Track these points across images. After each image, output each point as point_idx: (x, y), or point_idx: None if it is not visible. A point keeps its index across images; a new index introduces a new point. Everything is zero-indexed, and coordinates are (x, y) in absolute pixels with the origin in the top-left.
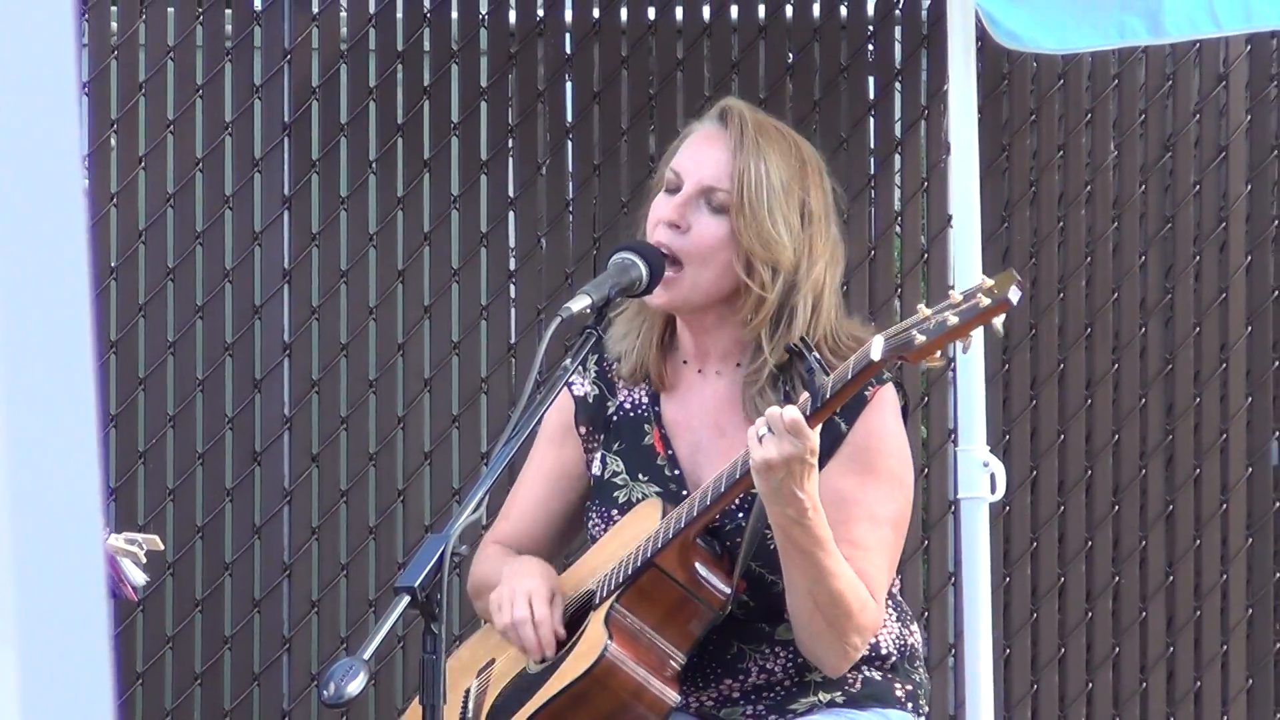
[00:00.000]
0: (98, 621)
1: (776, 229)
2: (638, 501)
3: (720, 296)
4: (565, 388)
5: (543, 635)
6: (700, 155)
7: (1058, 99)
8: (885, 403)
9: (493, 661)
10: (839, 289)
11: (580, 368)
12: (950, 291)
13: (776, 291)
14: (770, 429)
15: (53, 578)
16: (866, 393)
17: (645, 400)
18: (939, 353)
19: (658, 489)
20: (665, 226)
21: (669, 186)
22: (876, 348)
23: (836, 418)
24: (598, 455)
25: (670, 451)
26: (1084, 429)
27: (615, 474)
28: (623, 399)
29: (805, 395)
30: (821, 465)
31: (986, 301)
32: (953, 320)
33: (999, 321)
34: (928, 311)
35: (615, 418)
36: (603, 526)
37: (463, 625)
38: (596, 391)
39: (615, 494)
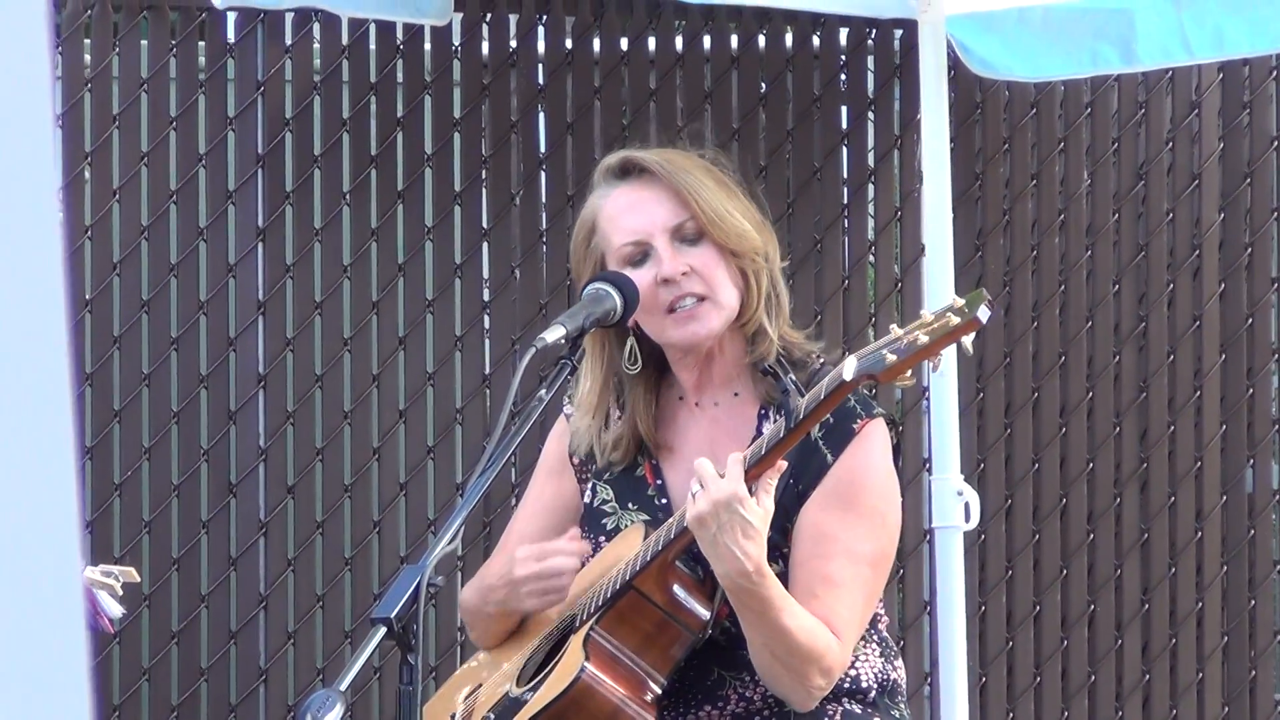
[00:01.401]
0: (78, 655)
1: (739, 221)
2: (625, 529)
3: (735, 307)
4: (563, 417)
5: (561, 548)
6: (642, 210)
7: (1031, 127)
8: (874, 437)
9: (479, 687)
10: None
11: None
12: (921, 311)
13: (767, 271)
14: (700, 483)
15: (32, 611)
16: (855, 425)
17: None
18: (910, 373)
19: (645, 518)
20: (681, 280)
21: (634, 259)
22: (849, 368)
23: (823, 447)
24: (589, 484)
25: (659, 481)
26: (1058, 457)
27: (605, 502)
28: (615, 431)
29: (749, 448)
30: (806, 495)
31: (956, 320)
32: (923, 339)
33: (968, 340)
34: (899, 331)
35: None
36: (590, 554)
37: (439, 656)
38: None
39: (604, 521)
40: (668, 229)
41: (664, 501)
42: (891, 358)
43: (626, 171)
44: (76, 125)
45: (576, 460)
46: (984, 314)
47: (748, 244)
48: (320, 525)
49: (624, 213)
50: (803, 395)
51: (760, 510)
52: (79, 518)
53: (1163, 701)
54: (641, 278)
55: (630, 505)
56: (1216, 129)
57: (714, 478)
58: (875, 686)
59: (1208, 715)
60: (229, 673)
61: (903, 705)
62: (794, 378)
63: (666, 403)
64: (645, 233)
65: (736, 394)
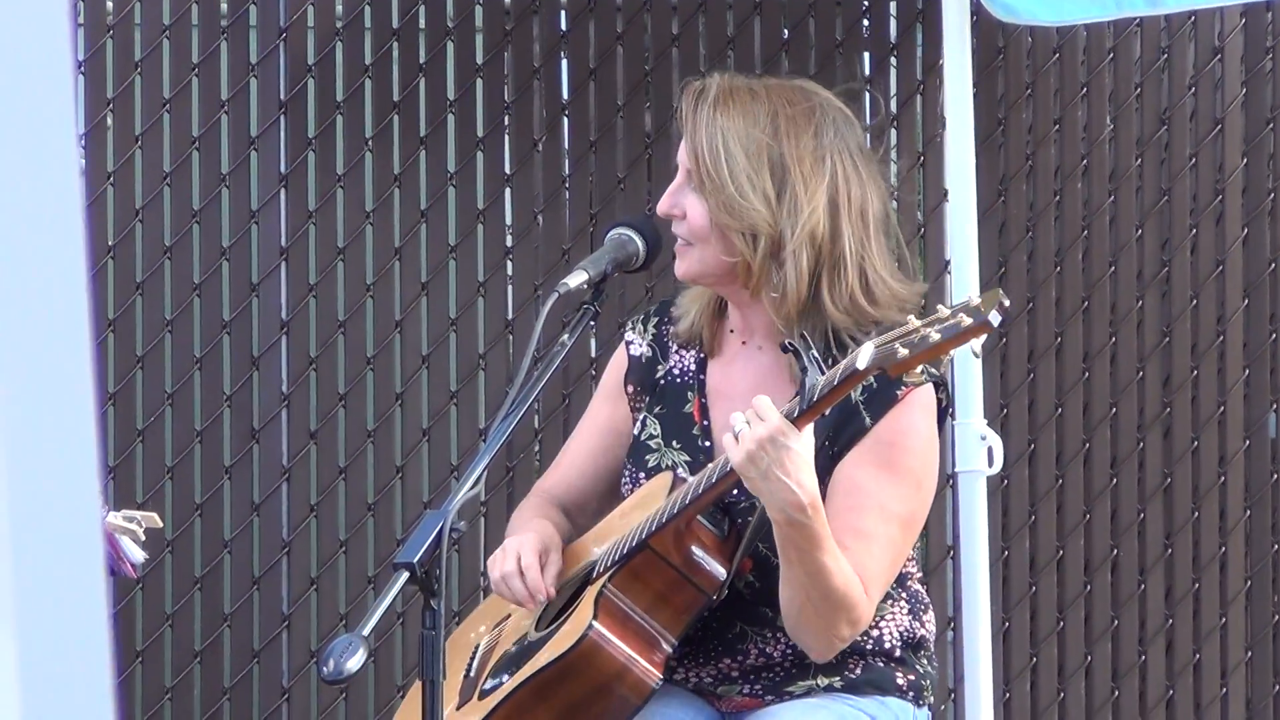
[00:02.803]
0: (97, 600)
1: (743, 193)
2: (667, 468)
3: (729, 275)
4: (623, 345)
5: (530, 583)
6: (683, 143)
7: (1053, 73)
8: (916, 404)
9: (508, 616)
10: (876, 237)
11: (641, 327)
12: (939, 306)
13: (759, 255)
14: (747, 422)
15: (52, 556)
16: (898, 391)
17: (693, 368)
18: (920, 369)
19: (688, 458)
20: (676, 221)
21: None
22: (864, 356)
23: (863, 411)
24: (640, 417)
25: (706, 422)
26: (1081, 402)
27: (651, 437)
28: (672, 364)
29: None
30: (839, 457)
31: (968, 321)
32: (934, 337)
33: (977, 343)
34: (916, 323)
35: (662, 381)
36: (630, 487)
37: (461, 601)
38: (650, 354)
39: (647, 457)
40: (685, 169)
41: (708, 444)
42: (903, 352)
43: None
44: (99, 72)
45: (631, 390)
46: (995, 319)
47: (739, 220)
48: (343, 471)
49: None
50: (822, 374)
51: (807, 439)
52: (100, 463)
53: (1186, 646)
54: None
55: (674, 444)
56: (1239, 74)
57: (754, 418)
58: (899, 644)
59: (1230, 659)
60: (252, 618)
61: (927, 660)
62: (815, 355)
63: (722, 333)
64: (678, 160)
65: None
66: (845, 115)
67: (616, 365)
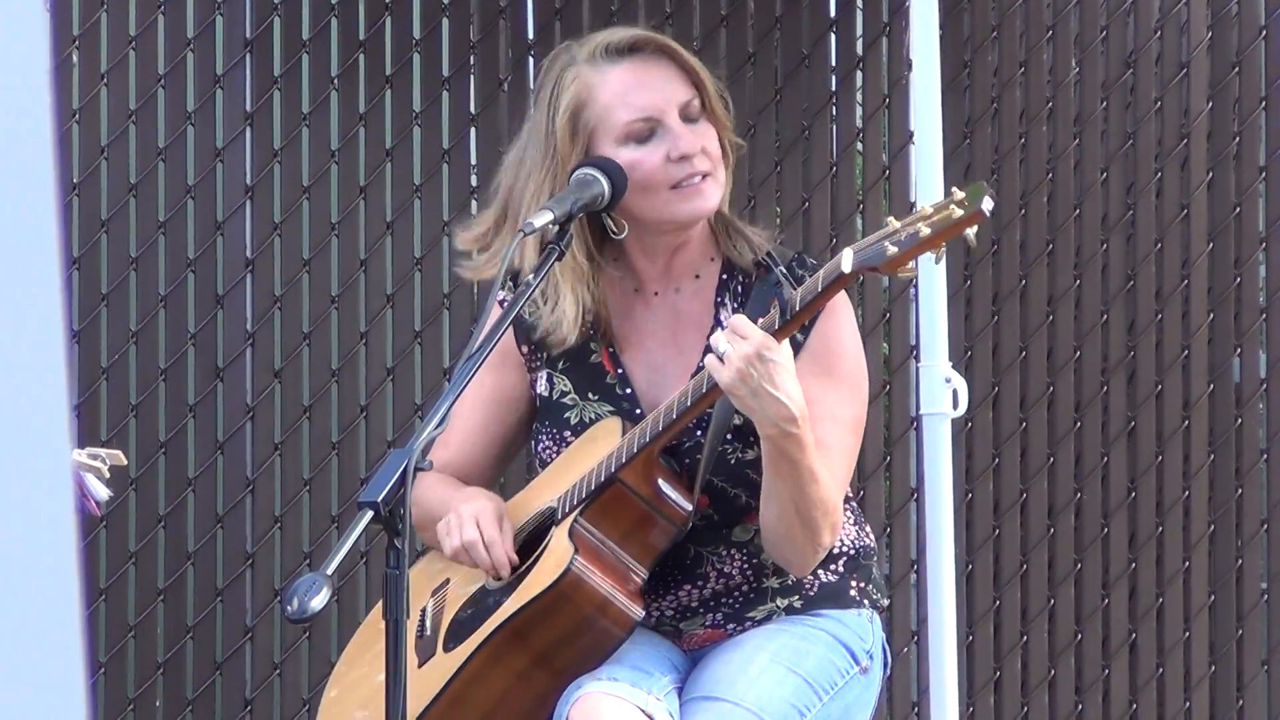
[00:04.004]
0: (66, 538)
1: (728, 107)
2: (591, 421)
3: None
4: (496, 305)
5: (495, 556)
6: (654, 88)
7: (1019, 15)
8: (839, 307)
9: (447, 581)
10: None
11: (512, 285)
12: (920, 205)
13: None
14: (726, 342)
15: (20, 496)
16: None
17: (590, 319)
18: (911, 264)
19: (610, 408)
20: (695, 158)
21: (641, 136)
22: (847, 260)
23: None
24: (542, 375)
25: (620, 370)
26: (1045, 345)
27: (563, 394)
28: None
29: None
30: None
31: (959, 213)
32: (925, 231)
33: (972, 232)
34: (898, 224)
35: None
36: (554, 449)
37: (425, 541)
38: (533, 309)
39: (566, 414)
40: (678, 105)
41: (628, 391)
42: (893, 249)
43: (634, 49)
44: (65, 9)
45: (525, 349)
46: (987, 205)
47: (728, 125)
48: (308, 409)
49: (633, 90)
50: (795, 288)
51: (787, 351)
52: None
53: (1149, 589)
54: (648, 155)
55: (590, 395)
56: (1205, 18)
57: (734, 338)
58: (848, 553)
59: (1194, 603)
60: (216, 557)
61: (874, 565)
62: (784, 270)
63: (619, 295)
64: (658, 110)
65: (698, 276)
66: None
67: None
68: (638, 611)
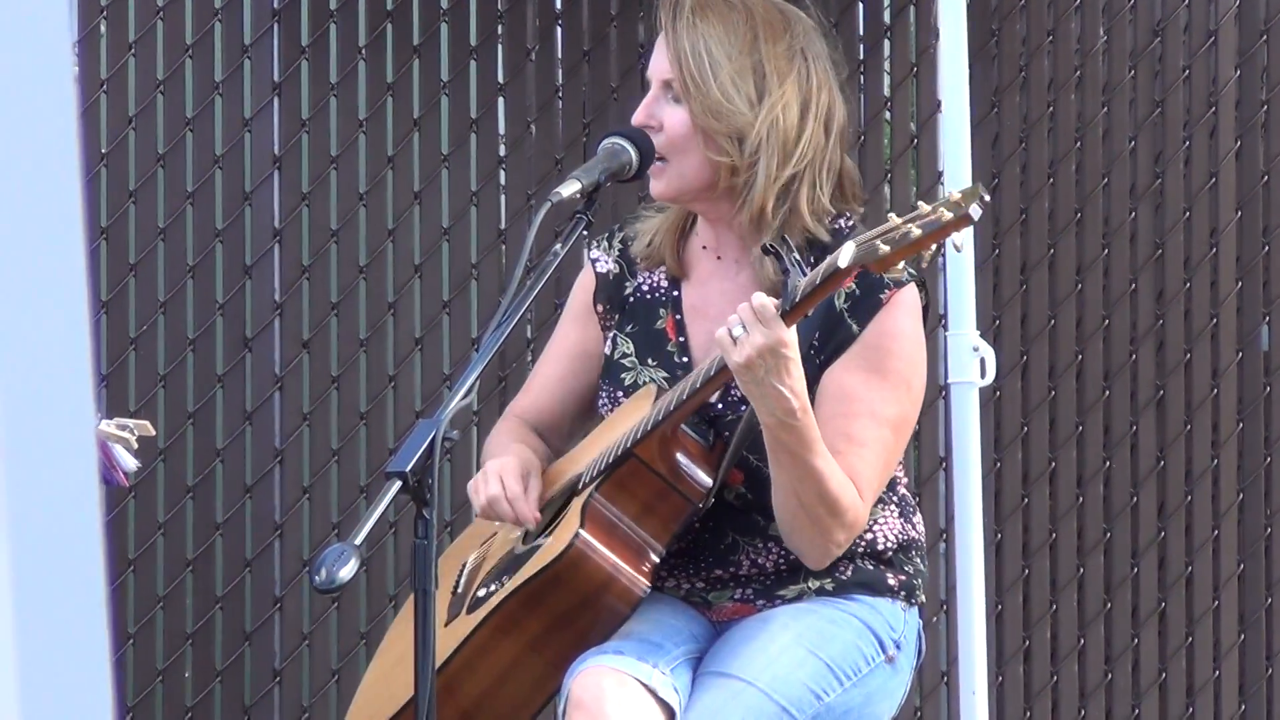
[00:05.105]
0: (90, 511)
1: (727, 97)
2: (643, 385)
3: (709, 183)
4: (589, 264)
5: (518, 510)
6: (656, 54)
7: None
8: (902, 305)
9: (495, 534)
10: (838, 145)
11: (605, 244)
12: (919, 203)
13: (747, 156)
14: (744, 326)
15: (46, 470)
16: (882, 295)
17: (664, 284)
18: (901, 264)
19: (665, 374)
20: (649, 132)
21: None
22: (845, 255)
23: (849, 319)
24: (611, 335)
25: (682, 339)
26: (1074, 314)
27: (624, 355)
28: (641, 280)
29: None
30: (830, 363)
31: (949, 216)
32: (915, 233)
33: (958, 237)
34: (896, 221)
35: (632, 299)
36: (609, 407)
37: (454, 511)
38: (617, 270)
39: (622, 375)
40: (661, 80)
41: (685, 360)
42: (884, 249)
43: (664, 8)
44: None
45: (601, 309)
46: (975, 212)
47: (723, 123)
48: (336, 380)
49: (654, 48)
50: (804, 275)
51: (799, 349)
52: (94, 371)
53: (1178, 558)
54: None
55: (650, 361)
56: None
57: (755, 323)
58: (893, 548)
59: (1223, 572)
60: (244, 527)
61: (919, 559)
62: (797, 258)
63: (693, 250)
64: (650, 74)
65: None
66: (816, 28)
67: (583, 285)
68: (643, 587)
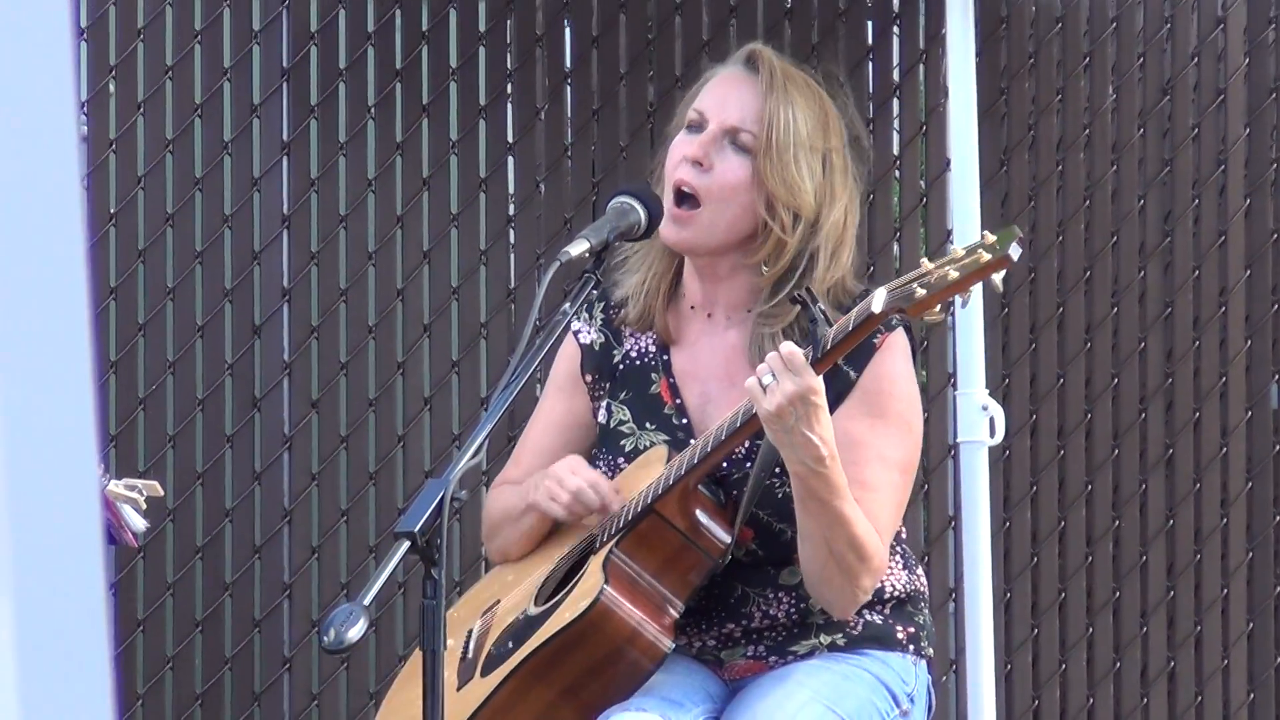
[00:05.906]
0: (94, 570)
1: (800, 174)
2: (645, 449)
3: (735, 240)
4: (571, 336)
5: (601, 492)
6: (726, 96)
7: (1056, 43)
8: (895, 348)
9: (497, 602)
10: (854, 229)
11: (586, 315)
12: (952, 246)
13: (797, 236)
14: (774, 374)
15: (49, 526)
16: (875, 340)
17: (653, 349)
18: (939, 307)
19: (665, 438)
20: (688, 164)
21: (690, 125)
22: (878, 300)
23: (844, 367)
24: (603, 404)
25: (679, 401)
26: (1083, 373)
27: (621, 422)
28: (629, 347)
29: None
30: (832, 412)
31: (987, 257)
32: (953, 275)
33: (998, 278)
34: (930, 265)
35: (621, 366)
36: (610, 475)
37: (463, 571)
38: (602, 339)
39: (622, 442)
40: (727, 126)
41: (684, 421)
42: (921, 292)
43: (749, 62)
44: (101, 38)
45: (589, 378)
46: (1015, 252)
47: (792, 196)
48: (345, 440)
49: (714, 88)
50: (830, 325)
51: (822, 389)
52: (102, 431)
53: (1188, 618)
54: (678, 144)
55: (648, 425)
56: (1242, 45)
57: (784, 371)
58: (899, 597)
59: (1232, 632)
60: (253, 587)
61: (925, 611)
62: (823, 307)
63: (680, 312)
64: (711, 112)
65: (749, 310)
66: (852, 132)
67: (568, 356)
68: (667, 644)
